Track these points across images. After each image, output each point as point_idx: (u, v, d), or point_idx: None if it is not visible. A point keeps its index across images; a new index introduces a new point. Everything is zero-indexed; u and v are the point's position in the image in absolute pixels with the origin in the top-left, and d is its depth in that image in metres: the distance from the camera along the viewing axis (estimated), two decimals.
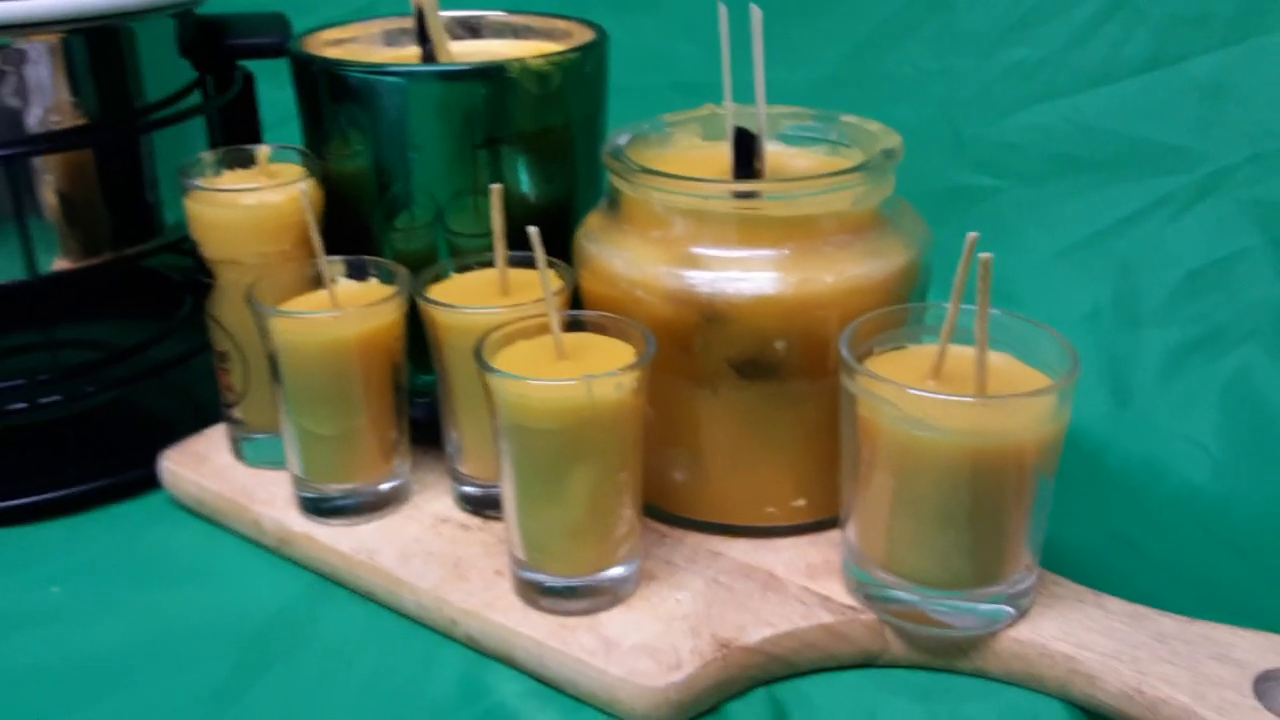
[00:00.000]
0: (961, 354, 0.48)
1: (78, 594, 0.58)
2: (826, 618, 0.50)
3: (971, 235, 0.46)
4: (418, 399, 0.63)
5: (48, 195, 0.63)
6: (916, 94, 0.89)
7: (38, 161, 0.62)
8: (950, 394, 0.46)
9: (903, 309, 0.52)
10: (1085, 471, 0.68)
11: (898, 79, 0.90)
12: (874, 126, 0.58)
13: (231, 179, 0.62)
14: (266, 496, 0.61)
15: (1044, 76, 0.84)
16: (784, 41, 0.90)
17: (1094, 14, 0.83)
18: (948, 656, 0.50)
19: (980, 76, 0.87)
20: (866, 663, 0.51)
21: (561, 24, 0.68)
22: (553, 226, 0.60)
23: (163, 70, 0.68)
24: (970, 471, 0.46)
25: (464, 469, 0.59)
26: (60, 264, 0.64)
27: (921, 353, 0.51)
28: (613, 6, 0.97)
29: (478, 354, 0.49)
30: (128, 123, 0.66)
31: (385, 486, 0.59)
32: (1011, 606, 0.50)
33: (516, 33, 0.69)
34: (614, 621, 0.50)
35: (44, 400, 0.64)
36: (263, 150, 0.62)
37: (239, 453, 0.64)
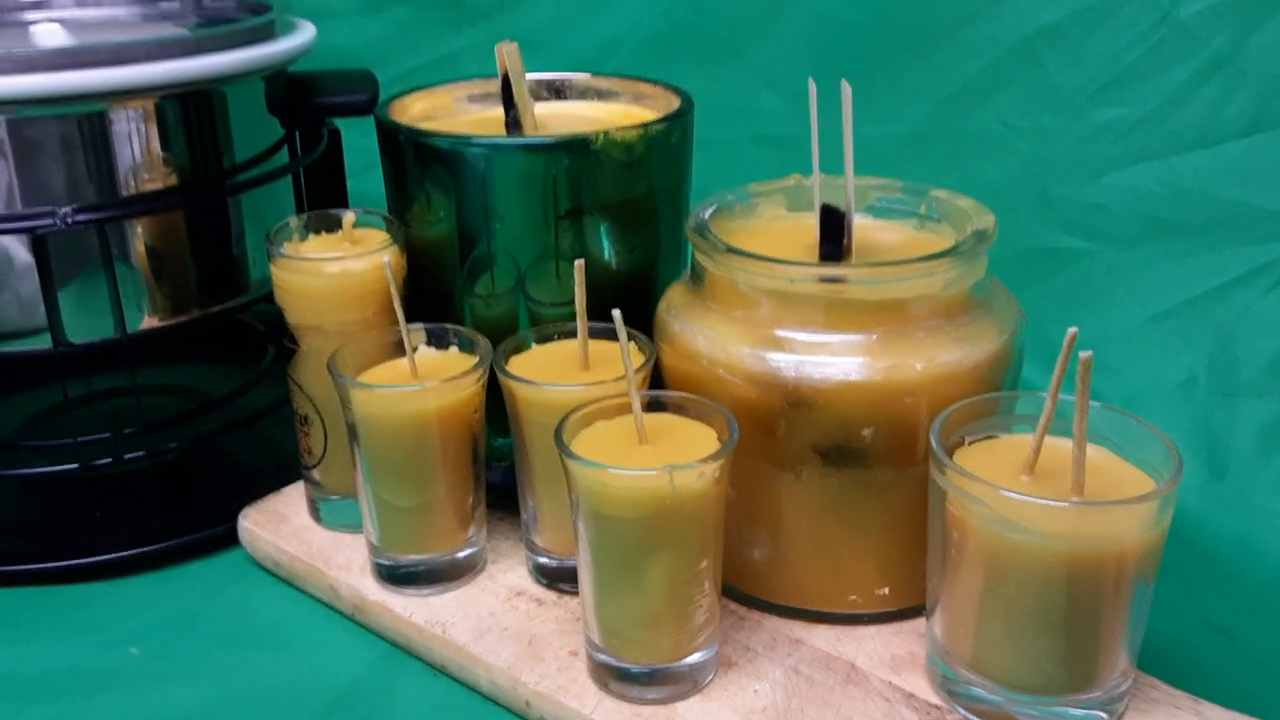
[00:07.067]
0: (1057, 447, 0.47)
1: (155, 655, 0.58)
2: (911, 717, 0.49)
3: (1071, 330, 0.44)
4: (494, 463, 0.63)
5: (137, 255, 0.64)
6: (1004, 152, 0.87)
7: (128, 222, 0.63)
8: (1046, 497, 0.44)
9: (994, 397, 0.51)
10: (1176, 550, 0.65)
11: (985, 136, 0.88)
12: (965, 203, 0.57)
13: (317, 243, 0.62)
14: (343, 561, 0.61)
15: (1139, 137, 0.82)
16: (869, 96, 0.88)
17: (1194, 74, 0.80)
18: None
19: (1071, 136, 0.84)
20: None
21: (646, 88, 0.67)
22: (634, 295, 0.59)
23: (252, 129, 0.69)
24: (1065, 577, 0.45)
25: (539, 540, 0.58)
26: (149, 322, 0.65)
27: (1015, 444, 0.49)
28: (694, 58, 0.97)
29: (558, 438, 0.48)
30: (218, 183, 0.67)
31: (461, 555, 0.59)
32: (1105, 712, 0.48)
33: (601, 95, 0.69)
34: (691, 713, 0.49)
35: (129, 455, 0.65)
36: (348, 216, 0.62)
37: (316, 514, 0.64)
